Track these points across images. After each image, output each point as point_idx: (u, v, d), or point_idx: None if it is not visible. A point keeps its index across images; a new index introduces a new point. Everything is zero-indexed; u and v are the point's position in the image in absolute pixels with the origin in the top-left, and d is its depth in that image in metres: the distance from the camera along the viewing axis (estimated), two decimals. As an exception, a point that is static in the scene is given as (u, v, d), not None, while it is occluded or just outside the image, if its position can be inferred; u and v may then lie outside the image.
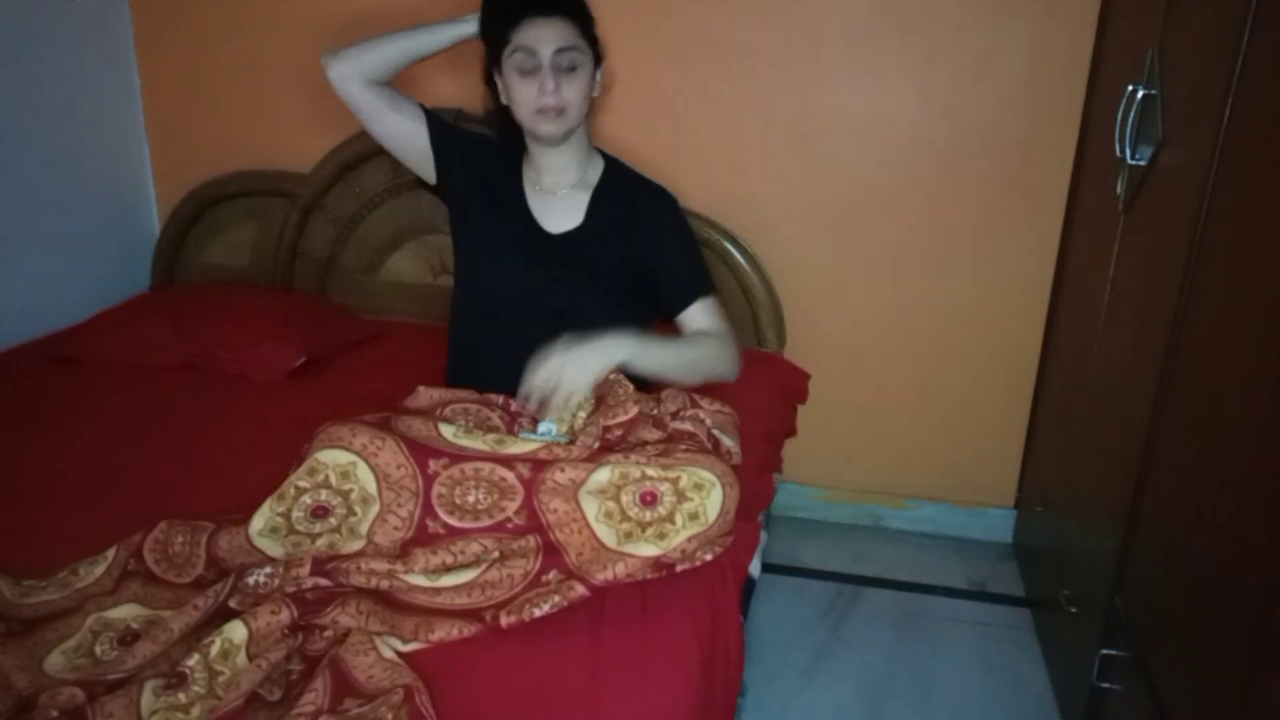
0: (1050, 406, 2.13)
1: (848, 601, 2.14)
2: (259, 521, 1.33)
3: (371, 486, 1.34)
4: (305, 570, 1.25)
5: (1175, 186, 1.41)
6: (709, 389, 1.77)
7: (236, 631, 1.17)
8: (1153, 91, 1.52)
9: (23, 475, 1.61)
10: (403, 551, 1.31)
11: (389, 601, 1.26)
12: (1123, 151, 1.59)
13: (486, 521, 1.34)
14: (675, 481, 1.33)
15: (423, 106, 1.79)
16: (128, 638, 1.23)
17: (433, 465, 1.36)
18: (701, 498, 1.32)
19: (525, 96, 1.62)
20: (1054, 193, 2.08)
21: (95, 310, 2.24)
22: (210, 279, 2.46)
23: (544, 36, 1.59)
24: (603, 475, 1.35)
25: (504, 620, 1.22)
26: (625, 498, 1.33)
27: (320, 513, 1.33)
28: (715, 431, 1.58)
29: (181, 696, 1.10)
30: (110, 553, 1.36)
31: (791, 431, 2.17)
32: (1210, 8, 1.35)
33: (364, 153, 2.26)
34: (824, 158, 2.17)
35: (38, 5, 2.14)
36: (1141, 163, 1.55)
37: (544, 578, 1.29)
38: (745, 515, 1.60)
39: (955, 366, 2.26)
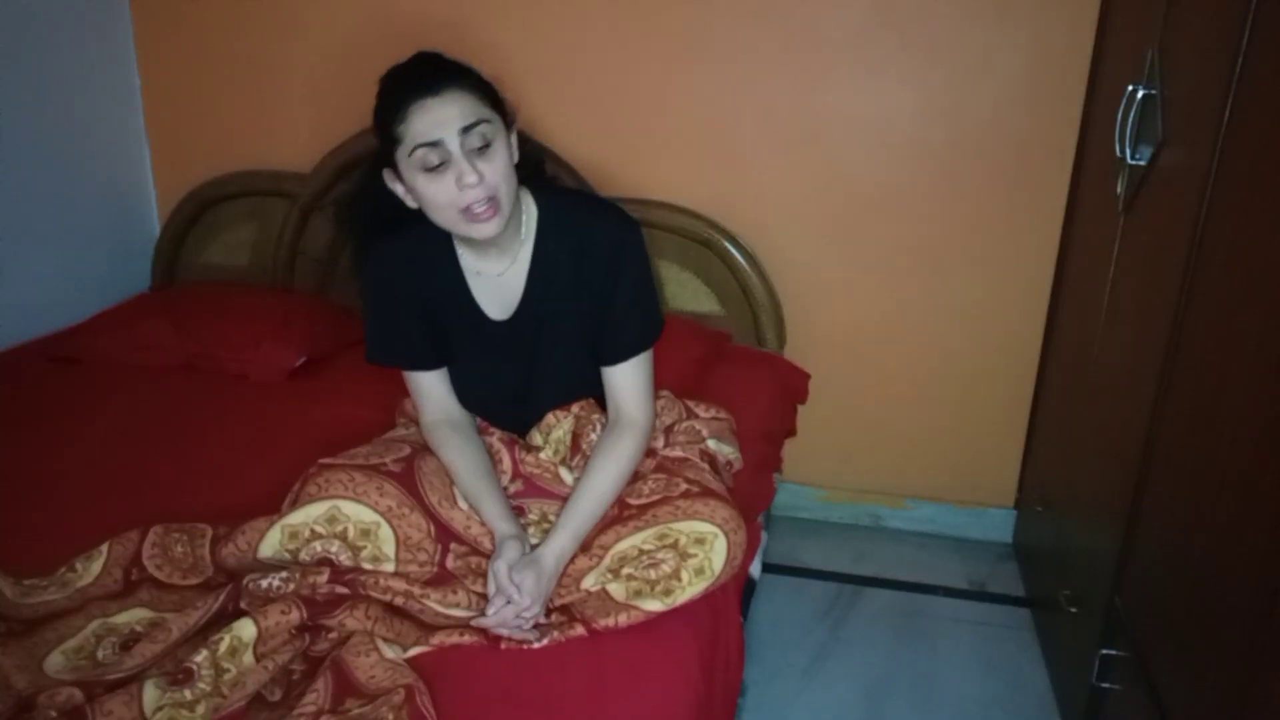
0: (1050, 406, 2.13)
1: (848, 601, 2.14)
2: (267, 550, 1.31)
3: (390, 549, 1.32)
4: (324, 579, 1.25)
5: (1175, 186, 1.41)
6: (706, 395, 1.77)
7: (245, 629, 1.17)
8: (1153, 91, 1.52)
9: (23, 475, 1.61)
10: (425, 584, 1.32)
11: (396, 609, 1.27)
12: (1123, 151, 1.59)
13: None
14: (675, 544, 1.30)
15: (426, 363, 1.49)
16: (129, 642, 1.23)
17: (454, 550, 1.36)
18: (705, 551, 1.30)
19: (443, 198, 1.29)
20: (1054, 193, 2.08)
21: (95, 310, 2.25)
22: (210, 279, 2.46)
23: (441, 118, 1.26)
24: (604, 565, 1.33)
25: (504, 644, 1.24)
26: (628, 570, 1.31)
27: (325, 563, 1.30)
28: (712, 443, 1.56)
29: (187, 693, 1.10)
30: (104, 547, 1.36)
31: (791, 431, 2.17)
32: (1210, 8, 1.35)
33: (364, 153, 2.25)
34: (824, 158, 2.17)
35: (38, 5, 2.14)
36: (1141, 163, 1.55)
37: (549, 617, 1.30)
38: (746, 515, 1.60)
39: (955, 366, 2.26)
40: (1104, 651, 1.51)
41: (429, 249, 1.44)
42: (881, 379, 2.30)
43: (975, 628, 2.06)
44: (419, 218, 1.37)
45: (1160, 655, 1.33)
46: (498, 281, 1.45)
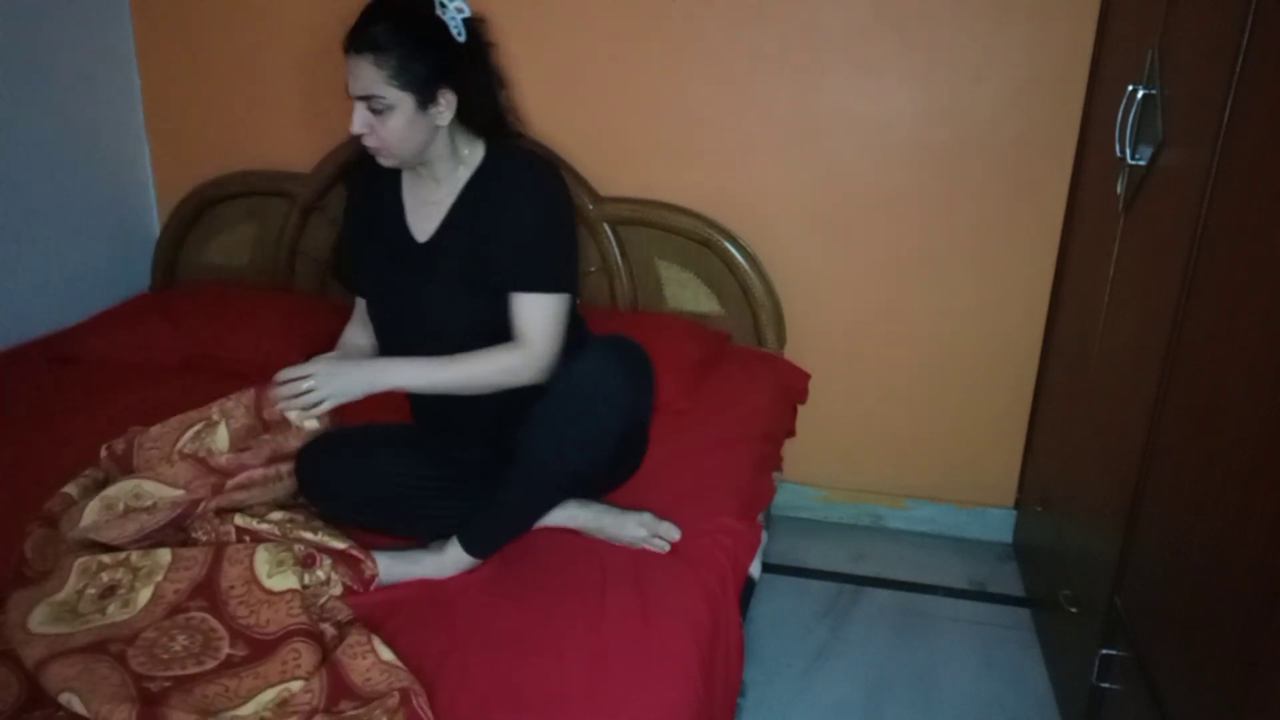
0: (1050, 406, 2.13)
1: (848, 601, 2.14)
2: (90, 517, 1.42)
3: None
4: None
5: (1175, 186, 1.41)
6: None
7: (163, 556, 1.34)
8: (1153, 91, 1.52)
9: (23, 475, 1.60)
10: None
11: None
12: (1123, 151, 1.59)
13: (210, 664, 1.23)
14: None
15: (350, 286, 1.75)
16: (107, 590, 1.29)
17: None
18: None
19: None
20: (1054, 193, 2.08)
21: (95, 310, 2.25)
22: (210, 279, 2.46)
23: (353, 76, 1.43)
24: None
25: (267, 412, 1.57)
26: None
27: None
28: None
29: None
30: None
31: (791, 431, 2.18)
32: (1210, 8, 1.35)
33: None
34: (824, 158, 2.17)
35: (38, 6, 2.14)
36: (1141, 163, 1.55)
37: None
38: (745, 515, 1.60)
39: (955, 366, 2.26)
40: (1104, 651, 1.51)
41: (386, 174, 1.59)
42: (881, 379, 2.30)
43: (975, 628, 2.06)
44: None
45: (1160, 655, 1.33)
46: (430, 209, 1.57)
